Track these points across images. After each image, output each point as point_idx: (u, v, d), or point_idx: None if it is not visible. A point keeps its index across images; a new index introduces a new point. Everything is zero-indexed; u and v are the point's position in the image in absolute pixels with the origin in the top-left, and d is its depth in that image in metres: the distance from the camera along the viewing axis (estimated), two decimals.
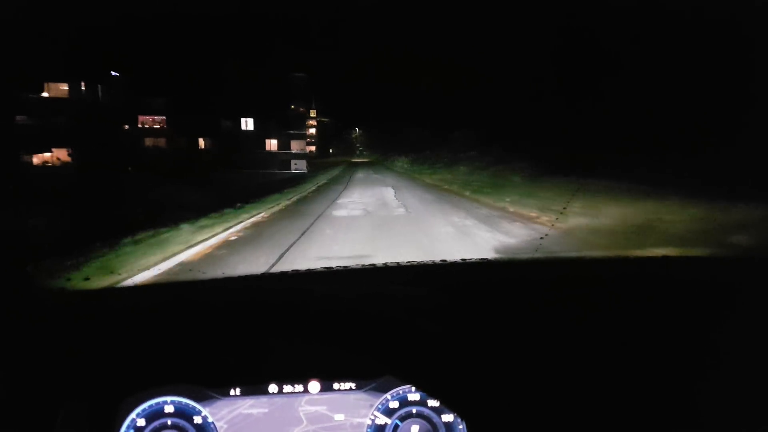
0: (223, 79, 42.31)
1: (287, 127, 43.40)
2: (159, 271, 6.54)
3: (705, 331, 1.08)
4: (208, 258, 7.50)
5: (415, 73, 61.44)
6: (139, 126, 42.91)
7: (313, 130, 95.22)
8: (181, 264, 7.13)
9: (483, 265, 1.60)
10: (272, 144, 44.12)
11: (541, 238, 8.85)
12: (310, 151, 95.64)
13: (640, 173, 12.37)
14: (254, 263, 7.00)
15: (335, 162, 64.60)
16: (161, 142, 43.44)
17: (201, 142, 43.70)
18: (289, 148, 44.58)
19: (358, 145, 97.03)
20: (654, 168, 12.79)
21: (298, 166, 44.37)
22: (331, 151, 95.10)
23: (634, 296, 1.18)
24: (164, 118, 42.69)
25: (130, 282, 5.45)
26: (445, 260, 1.52)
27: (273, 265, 6.83)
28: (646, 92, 17.51)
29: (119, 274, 5.89)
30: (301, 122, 44.84)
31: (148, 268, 6.49)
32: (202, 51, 42.70)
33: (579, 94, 21.21)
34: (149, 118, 43.77)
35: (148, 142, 43.70)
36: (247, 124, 42.72)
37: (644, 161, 13.72)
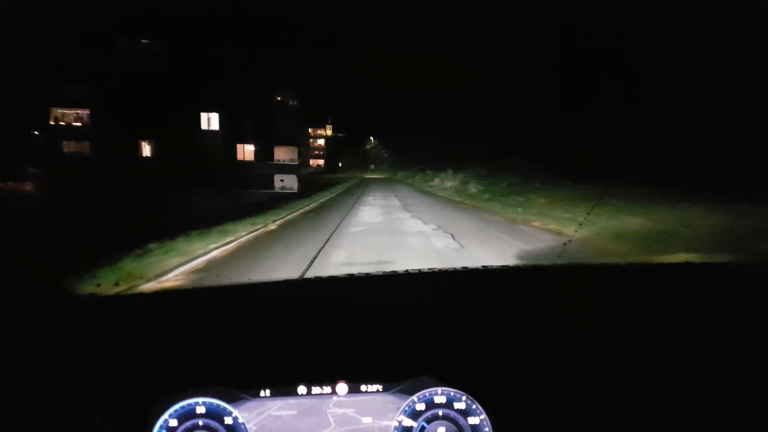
0: (175, 59, 28.65)
1: (270, 126, 29.59)
2: None
3: (729, 337, 1.10)
4: None
5: (437, 77, 52.90)
6: (53, 123, 29.23)
7: (321, 141, 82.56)
8: None
9: (506, 271, 1.63)
10: (246, 151, 30.37)
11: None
12: (318, 165, 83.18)
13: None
14: None
15: (341, 179, 50.03)
16: (86, 147, 29.88)
17: (145, 147, 30.01)
18: (272, 158, 30.71)
19: (382, 156, 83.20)
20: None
21: (286, 184, 30.59)
22: (340, 164, 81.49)
23: (658, 303, 1.20)
24: (88, 112, 29.17)
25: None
26: (466, 267, 1.53)
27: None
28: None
29: None
30: (291, 120, 31.27)
31: None
32: (147, 18, 29.50)
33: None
34: (71, 112, 30.32)
35: (70, 147, 30.26)
36: (210, 121, 29.09)
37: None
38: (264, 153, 30.63)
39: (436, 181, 32.25)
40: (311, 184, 34.48)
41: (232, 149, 29.98)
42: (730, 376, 1.08)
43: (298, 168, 32.68)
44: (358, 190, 31.41)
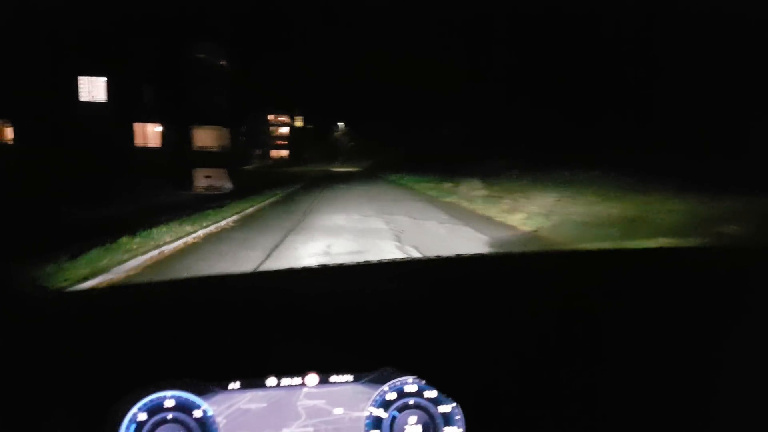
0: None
1: (185, 98, 20.33)
2: None
3: (698, 321, 1.15)
4: None
5: (424, 64, 46.80)
6: None
7: (285, 129, 73.06)
8: None
9: (477, 259, 1.62)
10: (150, 133, 21.10)
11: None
12: (280, 157, 73.68)
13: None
14: None
15: (300, 173, 39.86)
16: None
17: (4, 129, 20.85)
18: (190, 143, 21.46)
19: (356, 145, 73.18)
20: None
21: (214, 182, 21.40)
22: (304, 156, 72.06)
23: (629, 289, 1.24)
24: None
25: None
26: (439, 256, 1.55)
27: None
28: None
29: None
30: (220, 90, 22.00)
31: None
32: None
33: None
34: None
35: None
36: (94, 90, 19.64)
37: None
38: (177, 136, 21.38)
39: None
40: (253, 181, 25.26)
41: (126, 130, 20.69)
42: (709, 363, 1.10)
43: (230, 158, 23.48)
44: (308, 195, 17.66)
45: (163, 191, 17.72)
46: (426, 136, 42.57)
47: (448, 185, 18.99)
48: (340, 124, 79.53)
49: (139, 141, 21.04)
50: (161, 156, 20.85)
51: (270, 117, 71.21)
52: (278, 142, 72.98)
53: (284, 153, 72.94)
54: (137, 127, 20.99)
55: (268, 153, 71.18)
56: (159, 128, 21.52)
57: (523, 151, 22.54)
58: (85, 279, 5.53)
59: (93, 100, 20.35)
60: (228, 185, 22.28)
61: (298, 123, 76.31)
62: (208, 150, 22.55)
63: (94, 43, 19.73)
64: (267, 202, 15.08)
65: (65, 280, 5.37)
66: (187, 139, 21.76)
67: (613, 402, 1.05)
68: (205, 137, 22.48)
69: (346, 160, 70.54)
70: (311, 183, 25.35)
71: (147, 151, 21.02)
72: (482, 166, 21.45)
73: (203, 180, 22.22)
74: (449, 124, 37.85)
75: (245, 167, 54.32)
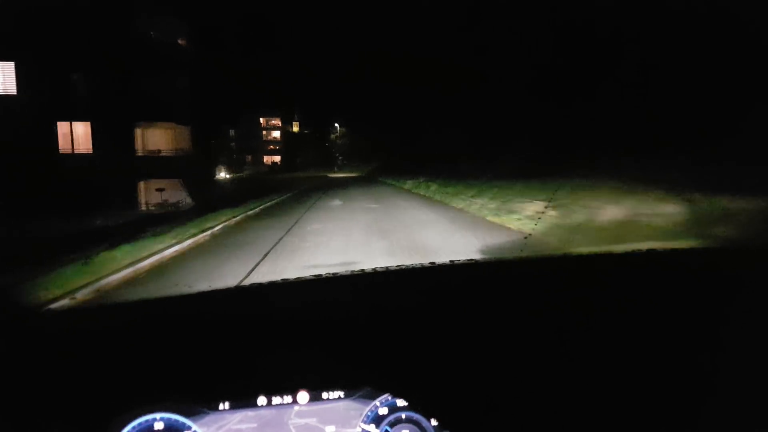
0: None
1: (127, 87, 15.27)
2: None
3: (691, 323, 1.13)
4: None
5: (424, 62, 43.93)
6: None
7: (277, 133, 68.20)
8: None
9: (470, 266, 1.60)
10: (78, 135, 16.10)
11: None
12: (273, 162, 68.84)
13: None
14: None
15: (289, 181, 34.35)
16: None
17: None
18: (131, 145, 16.44)
19: (356, 148, 68.11)
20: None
21: (169, 197, 16.37)
22: (298, 161, 67.04)
23: (621, 293, 1.21)
24: None
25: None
26: (433, 263, 1.51)
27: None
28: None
29: None
30: (177, 77, 17.08)
31: None
32: None
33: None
34: None
35: None
36: (1, 78, 14.54)
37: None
38: (114, 137, 16.39)
39: None
40: (229, 192, 20.27)
41: (47, 131, 15.78)
42: (704, 363, 1.07)
43: (192, 164, 18.44)
44: (280, 222, 11.84)
45: (85, 214, 12.85)
46: (432, 137, 38.14)
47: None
48: (338, 126, 74.67)
49: (63, 145, 16.17)
50: (93, 163, 15.92)
51: (263, 120, 66.41)
52: (272, 147, 68.10)
53: (278, 158, 68.12)
54: (62, 127, 16.13)
55: (262, 158, 66.41)
56: (88, 128, 16.53)
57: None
58: None
59: (3, 93, 15.51)
60: (187, 200, 17.38)
61: (295, 127, 71.74)
62: (159, 155, 17.64)
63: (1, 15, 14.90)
64: (200, 237, 9.31)
65: None
66: (128, 139, 16.81)
67: (607, 408, 1.04)
68: (155, 138, 17.60)
69: (344, 164, 65.62)
70: (295, 197, 19.64)
71: (75, 158, 16.13)
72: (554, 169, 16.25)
73: (155, 194, 17.31)
74: (458, 124, 33.49)
75: (236, 174, 49.56)
